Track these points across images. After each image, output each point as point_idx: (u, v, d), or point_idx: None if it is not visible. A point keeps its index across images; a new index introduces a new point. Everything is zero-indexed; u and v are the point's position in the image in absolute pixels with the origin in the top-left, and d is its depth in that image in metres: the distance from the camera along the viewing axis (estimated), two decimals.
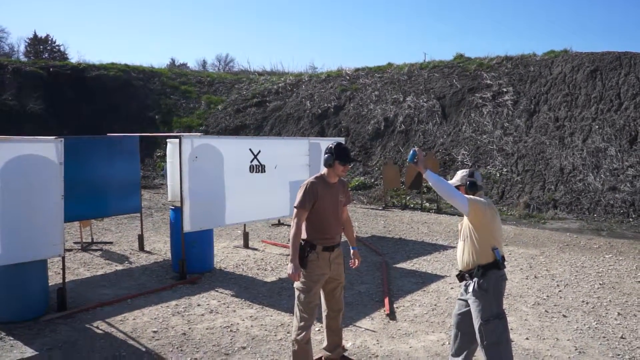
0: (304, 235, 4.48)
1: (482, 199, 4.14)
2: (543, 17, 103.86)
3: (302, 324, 4.45)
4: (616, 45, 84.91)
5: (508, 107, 17.64)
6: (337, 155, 4.49)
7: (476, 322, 4.11)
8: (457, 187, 4.24)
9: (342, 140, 12.04)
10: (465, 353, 4.47)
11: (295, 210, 4.45)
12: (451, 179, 4.35)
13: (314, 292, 4.47)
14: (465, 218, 4.19)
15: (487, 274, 4.08)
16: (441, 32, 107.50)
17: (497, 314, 4.10)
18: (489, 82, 18.96)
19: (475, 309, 4.12)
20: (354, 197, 16.29)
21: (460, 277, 4.29)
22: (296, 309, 4.51)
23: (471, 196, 4.11)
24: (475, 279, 4.09)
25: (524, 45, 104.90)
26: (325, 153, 4.55)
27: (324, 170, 4.62)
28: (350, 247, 4.88)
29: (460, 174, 4.31)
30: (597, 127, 15.50)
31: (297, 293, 4.49)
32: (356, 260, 4.84)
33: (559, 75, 17.70)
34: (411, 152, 4.15)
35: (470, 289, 4.12)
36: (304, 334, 4.43)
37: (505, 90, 18.33)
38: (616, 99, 15.93)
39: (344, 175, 4.73)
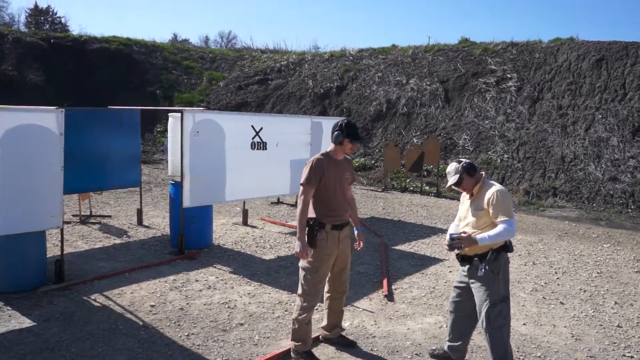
0: (312, 214, 4.40)
1: (497, 187, 4.04)
2: (550, 4, 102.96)
3: (305, 304, 4.41)
4: (623, 34, 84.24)
5: (511, 94, 17.53)
6: (348, 132, 4.40)
7: (483, 306, 4.07)
8: (460, 179, 4.15)
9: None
10: (462, 340, 4.49)
11: (301, 187, 4.37)
12: (449, 180, 4.22)
13: (321, 273, 4.42)
14: (478, 209, 4.10)
15: (498, 257, 4.06)
16: (446, 15, 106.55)
17: (504, 297, 4.09)
18: (493, 67, 18.81)
19: (482, 293, 4.08)
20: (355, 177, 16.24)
21: (466, 260, 4.21)
22: (301, 289, 4.46)
23: (504, 208, 3.96)
24: (486, 263, 4.05)
25: (530, 31, 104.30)
26: (335, 130, 4.44)
27: (330, 147, 4.55)
28: (355, 229, 4.82)
29: (453, 168, 4.18)
30: (600, 116, 15.42)
31: (303, 273, 4.44)
32: (361, 242, 4.79)
33: (564, 63, 17.56)
34: (449, 242, 4.08)
35: (481, 272, 4.07)
36: (306, 314, 4.41)
37: (509, 76, 18.19)
38: (621, 89, 15.82)
39: (351, 154, 4.66)
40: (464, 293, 4.31)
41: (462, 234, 4.06)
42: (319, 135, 9.72)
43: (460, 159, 4.24)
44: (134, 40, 25.41)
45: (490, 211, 4.00)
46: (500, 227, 3.94)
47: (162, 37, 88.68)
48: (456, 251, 4.15)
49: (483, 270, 4.05)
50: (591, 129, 15.25)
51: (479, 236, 3.99)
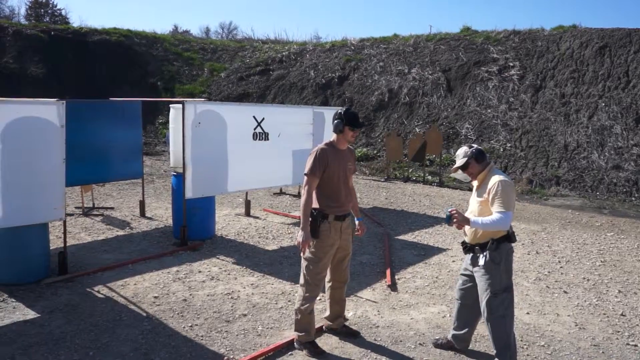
0: (315, 205, 4.39)
1: (502, 177, 4.00)
2: None
3: (307, 294, 4.42)
4: (627, 21, 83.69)
5: (514, 82, 17.44)
6: (347, 120, 4.38)
7: (485, 295, 4.08)
8: (466, 163, 4.16)
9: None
10: (468, 327, 4.48)
11: (305, 177, 4.36)
12: (457, 162, 4.23)
13: (323, 263, 4.43)
14: (480, 197, 4.11)
15: (500, 247, 4.04)
16: (447, 3, 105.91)
17: (506, 287, 4.09)
18: (495, 56, 18.70)
19: (484, 282, 4.08)
20: (356, 168, 16.24)
21: (469, 249, 4.24)
22: (303, 279, 4.47)
23: (504, 200, 3.91)
24: (487, 252, 4.04)
25: (532, 19, 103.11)
26: (335, 119, 4.43)
27: (333, 136, 4.53)
28: (356, 219, 4.82)
29: (462, 151, 4.20)
30: (603, 104, 15.34)
31: (305, 263, 4.44)
32: (361, 230, 4.79)
33: (567, 51, 17.45)
34: (445, 216, 4.06)
35: (482, 261, 4.06)
36: (308, 304, 4.41)
37: (511, 64, 18.09)
38: (624, 77, 15.73)
39: (353, 141, 4.63)
40: (470, 281, 4.31)
41: (457, 213, 4.05)
42: (321, 125, 9.68)
43: (472, 145, 4.25)
44: (134, 31, 25.31)
45: (490, 200, 3.98)
46: (495, 216, 3.93)
47: (162, 28, 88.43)
48: (453, 226, 4.11)
49: (484, 259, 4.05)
50: (594, 117, 15.17)
51: (472, 218, 4.01)
